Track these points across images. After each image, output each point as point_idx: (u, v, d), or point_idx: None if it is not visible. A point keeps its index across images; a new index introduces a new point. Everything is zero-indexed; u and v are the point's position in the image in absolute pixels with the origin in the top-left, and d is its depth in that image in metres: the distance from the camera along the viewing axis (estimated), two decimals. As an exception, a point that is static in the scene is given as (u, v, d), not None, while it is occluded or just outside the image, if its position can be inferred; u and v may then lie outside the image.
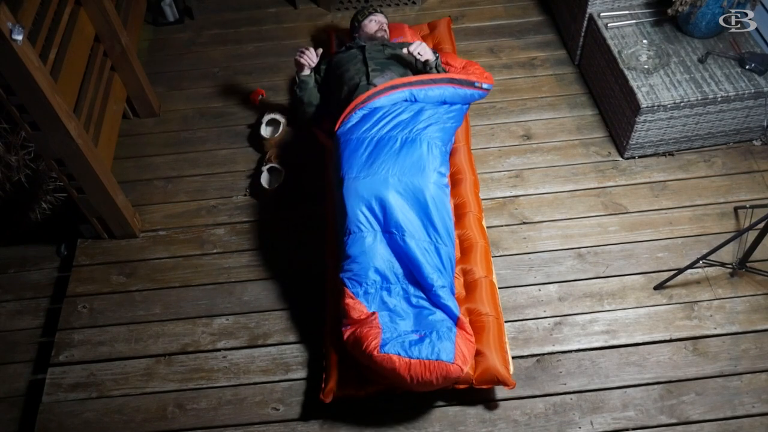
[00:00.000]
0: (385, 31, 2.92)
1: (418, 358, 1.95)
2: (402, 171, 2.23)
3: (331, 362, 2.17)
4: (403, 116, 2.37)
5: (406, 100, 2.44)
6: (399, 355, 1.95)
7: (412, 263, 2.16)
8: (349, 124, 2.41)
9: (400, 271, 2.18)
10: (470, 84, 2.51)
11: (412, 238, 2.16)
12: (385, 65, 2.65)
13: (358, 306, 2.11)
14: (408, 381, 1.98)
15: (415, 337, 2.02)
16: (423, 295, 2.16)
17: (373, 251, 2.16)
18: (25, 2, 2.09)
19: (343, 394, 2.12)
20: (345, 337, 2.09)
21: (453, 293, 2.19)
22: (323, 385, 2.14)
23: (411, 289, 2.17)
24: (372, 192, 2.20)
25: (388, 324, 2.06)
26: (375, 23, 2.90)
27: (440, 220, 2.22)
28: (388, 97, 2.44)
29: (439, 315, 2.10)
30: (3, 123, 2.40)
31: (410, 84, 2.46)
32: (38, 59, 2.08)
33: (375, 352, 1.96)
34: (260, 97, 3.18)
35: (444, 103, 2.47)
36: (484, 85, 2.53)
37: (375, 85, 2.52)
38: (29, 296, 2.64)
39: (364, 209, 2.20)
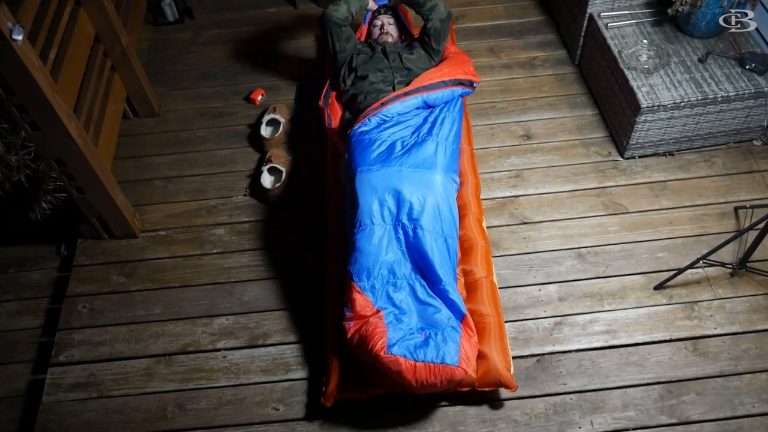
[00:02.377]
0: (389, 33, 2.84)
1: (423, 362, 1.95)
2: (415, 164, 2.26)
3: (331, 365, 2.17)
4: (415, 120, 2.43)
5: (418, 108, 2.49)
6: (405, 357, 1.95)
7: (422, 257, 2.16)
8: (364, 127, 2.43)
9: (407, 266, 2.18)
10: (471, 84, 2.63)
11: (424, 230, 2.17)
12: (409, 76, 2.64)
13: (365, 300, 2.11)
14: (413, 384, 1.98)
15: (420, 338, 2.02)
16: (430, 291, 2.16)
17: (382, 245, 2.17)
18: (25, 2, 2.09)
19: (344, 397, 2.12)
20: (349, 335, 2.09)
21: (456, 288, 2.20)
22: (324, 389, 2.14)
23: (418, 285, 2.16)
24: (385, 184, 2.22)
25: (394, 323, 2.06)
26: (377, 28, 2.87)
27: (449, 214, 2.24)
28: (402, 104, 2.47)
29: (444, 313, 2.10)
30: (3, 123, 2.40)
31: (423, 89, 2.51)
32: (38, 59, 2.08)
33: (382, 353, 1.96)
34: (260, 97, 3.18)
35: (448, 102, 2.54)
36: (475, 84, 2.68)
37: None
38: (29, 296, 2.64)
39: (376, 202, 2.21)
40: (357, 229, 2.20)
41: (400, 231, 2.19)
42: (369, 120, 2.43)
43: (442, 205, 2.22)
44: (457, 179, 2.39)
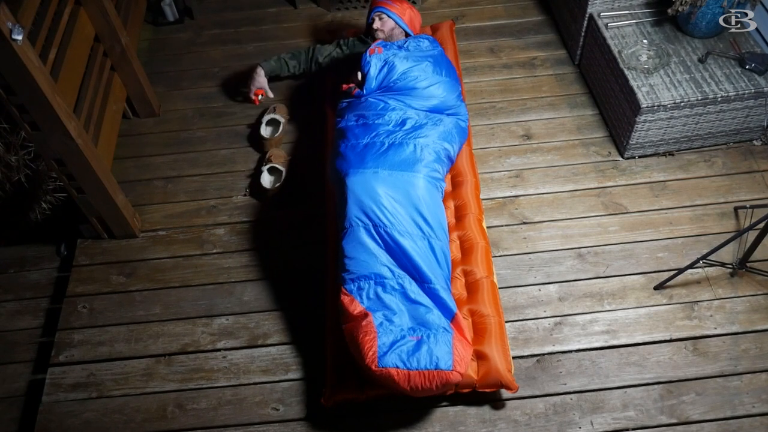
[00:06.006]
0: (380, 30, 2.87)
1: (417, 369, 1.95)
2: (391, 166, 2.27)
3: (331, 366, 2.17)
4: (395, 119, 2.45)
5: (399, 107, 2.50)
6: (397, 367, 1.95)
7: (407, 257, 2.16)
8: (343, 126, 2.50)
9: (395, 266, 2.18)
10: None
11: (405, 232, 2.18)
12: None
13: (351, 301, 2.12)
14: (408, 391, 1.98)
15: (412, 341, 2.01)
16: (419, 290, 2.16)
17: (366, 247, 2.17)
18: (25, 2, 2.09)
19: (344, 398, 2.12)
20: (346, 337, 2.10)
21: (449, 288, 2.19)
22: (324, 390, 2.15)
23: (407, 284, 2.16)
24: (362, 186, 2.23)
25: (385, 324, 2.05)
26: (378, 21, 2.90)
27: (432, 215, 2.23)
28: (380, 100, 2.53)
29: (435, 313, 2.10)
30: (3, 123, 2.40)
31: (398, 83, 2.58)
32: (38, 59, 2.08)
33: (373, 366, 1.95)
34: (260, 96, 3.18)
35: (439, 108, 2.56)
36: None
37: None
38: (29, 296, 2.64)
39: (355, 205, 2.22)
40: (342, 233, 2.22)
41: (381, 233, 2.19)
42: (347, 117, 2.48)
43: (421, 206, 2.23)
44: (438, 178, 2.36)
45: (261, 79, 3.05)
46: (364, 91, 2.55)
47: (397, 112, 2.45)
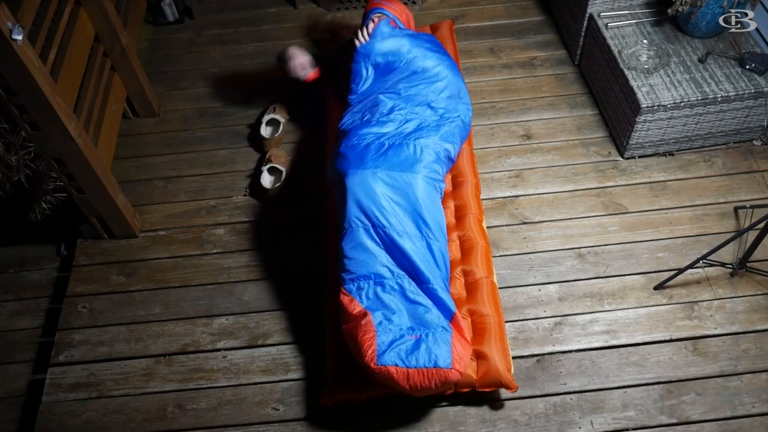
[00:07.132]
0: None
1: (416, 367, 1.95)
2: (390, 167, 2.27)
3: (331, 366, 2.17)
4: (395, 119, 2.44)
5: (400, 107, 2.50)
6: (396, 365, 1.95)
7: (406, 258, 2.16)
8: (344, 125, 2.50)
9: (394, 266, 2.18)
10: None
11: (403, 233, 2.18)
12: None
13: (350, 301, 2.12)
14: (407, 389, 1.98)
15: (411, 340, 2.01)
16: (418, 290, 2.16)
17: (365, 247, 2.17)
18: (25, 2, 2.09)
19: (344, 398, 2.12)
20: (345, 337, 2.10)
21: (448, 288, 2.20)
22: (324, 389, 2.15)
23: (406, 284, 2.16)
24: (361, 187, 2.23)
25: (384, 323, 2.05)
26: (372, 24, 2.88)
27: (431, 216, 2.23)
28: (383, 100, 2.52)
29: (434, 313, 2.10)
30: (3, 123, 2.40)
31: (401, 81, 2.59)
32: (38, 59, 2.08)
33: (372, 365, 1.95)
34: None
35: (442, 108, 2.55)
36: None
37: None
38: (29, 296, 2.64)
39: (354, 205, 2.22)
40: (342, 233, 2.22)
41: (380, 233, 2.19)
42: (349, 116, 2.49)
43: (420, 207, 2.22)
44: (437, 179, 2.35)
45: (303, 55, 2.90)
46: (365, 47, 2.59)
47: (402, 111, 2.44)
